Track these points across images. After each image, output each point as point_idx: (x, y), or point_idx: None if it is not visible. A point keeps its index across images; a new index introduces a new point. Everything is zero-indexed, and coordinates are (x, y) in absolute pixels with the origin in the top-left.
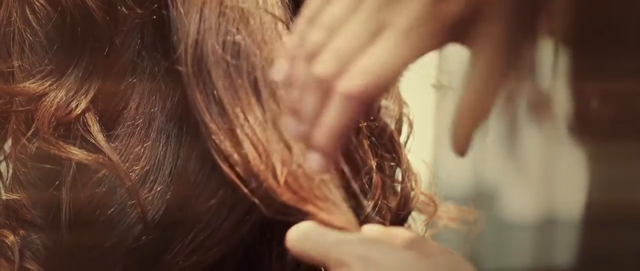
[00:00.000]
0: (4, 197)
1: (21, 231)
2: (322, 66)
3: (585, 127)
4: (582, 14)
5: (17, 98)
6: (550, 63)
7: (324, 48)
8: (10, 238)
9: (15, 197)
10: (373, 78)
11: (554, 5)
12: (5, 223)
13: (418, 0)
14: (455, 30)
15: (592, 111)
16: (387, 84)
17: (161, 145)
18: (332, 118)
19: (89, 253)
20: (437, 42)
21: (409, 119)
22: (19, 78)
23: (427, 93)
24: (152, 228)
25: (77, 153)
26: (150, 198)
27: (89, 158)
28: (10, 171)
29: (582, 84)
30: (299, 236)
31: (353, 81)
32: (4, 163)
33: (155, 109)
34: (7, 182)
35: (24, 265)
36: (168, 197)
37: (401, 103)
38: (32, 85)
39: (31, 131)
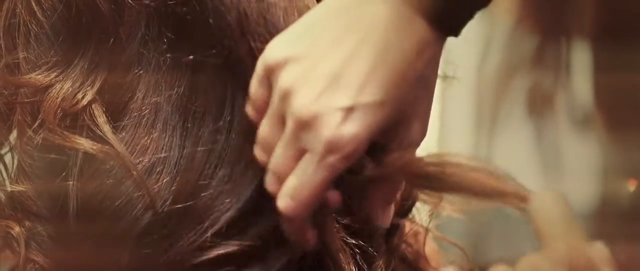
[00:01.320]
0: (9, 189)
1: (27, 223)
2: (269, 186)
3: (604, 116)
4: (604, 9)
5: (22, 90)
6: (565, 58)
7: (268, 167)
8: (16, 229)
9: (21, 188)
10: (295, 201)
11: (578, 2)
12: (11, 214)
13: (327, 127)
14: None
15: (612, 101)
16: (311, 203)
17: (167, 135)
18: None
19: (96, 244)
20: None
21: None
22: (25, 70)
23: None
24: (160, 219)
25: (83, 143)
26: (156, 189)
27: (95, 148)
28: (16, 162)
29: (603, 76)
30: (551, 205)
31: (281, 203)
32: (8, 155)
33: (161, 100)
34: (12, 173)
35: (29, 257)
36: (174, 187)
37: None
38: (37, 77)
39: (37, 122)
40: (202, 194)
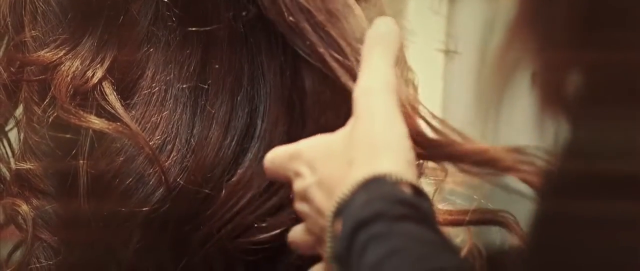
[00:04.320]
0: (14, 166)
1: (34, 201)
2: None
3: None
4: None
5: (28, 68)
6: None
7: None
8: (23, 207)
9: (28, 166)
10: None
11: None
12: (18, 192)
13: None
14: None
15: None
16: None
17: (178, 113)
18: None
19: (105, 222)
20: None
21: (415, 85)
22: (32, 48)
23: (434, 59)
24: (170, 197)
25: (97, 122)
26: (166, 166)
27: (110, 127)
28: (21, 140)
29: (563, 55)
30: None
31: None
32: (13, 133)
33: (171, 77)
34: (18, 151)
35: (36, 234)
36: (185, 165)
37: (407, 68)
38: (46, 54)
39: (46, 101)
40: (214, 176)
